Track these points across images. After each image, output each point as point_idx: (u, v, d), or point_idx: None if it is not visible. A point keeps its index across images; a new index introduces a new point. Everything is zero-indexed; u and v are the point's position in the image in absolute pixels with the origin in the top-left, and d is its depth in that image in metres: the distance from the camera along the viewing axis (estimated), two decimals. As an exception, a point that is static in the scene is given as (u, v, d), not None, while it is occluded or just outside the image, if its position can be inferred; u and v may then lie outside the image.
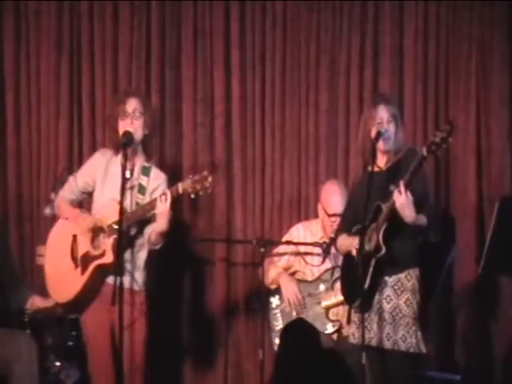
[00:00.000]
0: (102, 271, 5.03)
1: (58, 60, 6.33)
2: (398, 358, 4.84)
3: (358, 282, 4.78)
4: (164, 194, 5.03)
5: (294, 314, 5.60)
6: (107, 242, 5.02)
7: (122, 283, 4.94)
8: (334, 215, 5.47)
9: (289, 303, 5.63)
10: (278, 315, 5.69)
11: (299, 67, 6.22)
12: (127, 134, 5.01)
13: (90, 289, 5.09)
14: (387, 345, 4.81)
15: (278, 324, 5.65)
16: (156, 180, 5.24)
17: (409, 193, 4.64)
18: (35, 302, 5.36)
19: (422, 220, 4.76)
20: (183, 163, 6.26)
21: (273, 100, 6.25)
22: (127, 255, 5.15)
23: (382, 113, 4.90)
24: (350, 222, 5.00)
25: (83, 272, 5.12)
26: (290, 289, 5.64)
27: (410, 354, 4.82)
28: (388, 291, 4.86)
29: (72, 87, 6.34)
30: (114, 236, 5.00)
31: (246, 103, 6.27)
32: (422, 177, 4.86)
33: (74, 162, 6.20)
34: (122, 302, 4.84)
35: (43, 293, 5.37)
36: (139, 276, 5.21)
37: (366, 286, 4.79)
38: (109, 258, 5.00)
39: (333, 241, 5.45)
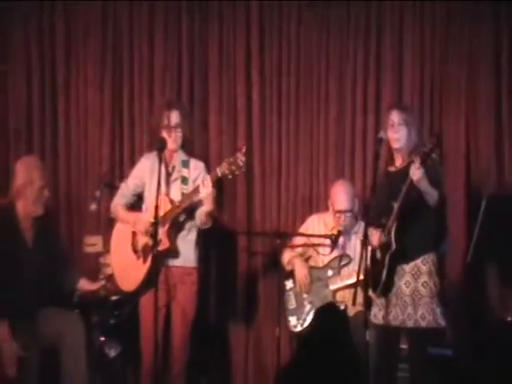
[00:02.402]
0: (160, 257, 5.28)
1: (102, 75, 6.52)
2: (418, 336, 5.05)
3: (377, 272, 5.03)
4: (204, 180, 5.25)
5: (305, 295, 5.84)
6: (162, 231, 5.28)
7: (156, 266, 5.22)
8: (339, 211, 5.74)
9: (299, 284, 5.85)
10: (292, 296, 5.92)
11: (311, 81, 6.39)
12: (161, 139, 5.38)
13: (152, 273, 5.30)
14: (409, 324, 5.02)
15: (292, 304, 5.89)
16: (196, 169, 5.54)
17: (423, 169, 4.83)
18: (83, 285, 5.53)
19: (434, 193, 4.95)
20: (210, 166, 6.04)
21: (288, 110, 6.42)
22: (179, 239, 5.43)
23: (394, 116, 5.10)
24: (376, 213, 5.14)
25: (145, 261, 5.43)
26: (301, 272, 5.86)
27: (431, 329, 5.02)
28: (407, 277, 5.06)
29: (114, 99, 6.52)
30: (167, 225, 5.31)
31: (265, 113, 6.45)
32: (435, 166, 4.99)
33: (116, 164, 6.46)
34: (156, 283, 5.12)
35: (90, 276, 5.61)
36: (192, 254, 5.48)
37: (384, 275, 5.03)
38: (165, 245, 5.30)
39: (340, 233, 5.74)
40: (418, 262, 5.07)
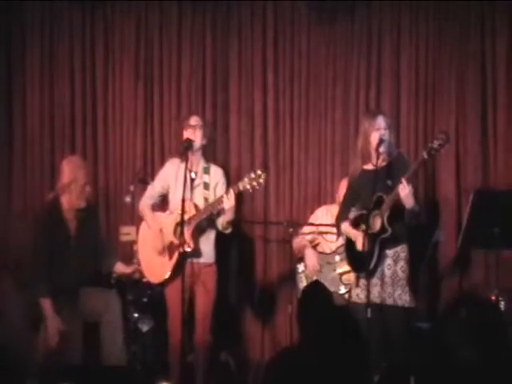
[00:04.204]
0: (185, 256, 5.52)
1: (135, 85, 6.83)
2: (396, 312, 5.26)
3: (367, 257, 5.15)
4: (228, 193, 5.41)
5: (315, 277, 6.08)
6: (187, 234, 5.50)
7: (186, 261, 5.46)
8: None
9: (309, 271, 6.12)
10: (303, 278, 6.20)
11: (319, 88, 6.68)
12: (188, 140, 5.60)
13: (177, 269, 5.57)
14: (389, 301, 5.25)
15: (303, 285, 6.14)
16: (216, 176, 5.74)
17: (410, 186, 5.08)
18: (119, 268, 5.80)
19: (417, 207, 5.23)
20: (230, 163, 6.70)
21: (299, 114, 6.70)
22: (202, 240, 5.67)
23: (380, 121, 5.31)
24: (348, 207, 5.46)
25: (171, 258, 5.66)
26: (311, 260, 6.14)
27: (405, 308, 5.24)
28: (388, 261, 5.29)
29: (146, 105, 6.82)
30: (192, 228, 5.51)
31: (279, 117, 6.71)
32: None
33: (148, 162, 6.75)
34: (183, 275, 5.32)
35: (125, 261, 5.86)
36: (212, 252, 5.74)
37: (374, 259, 5.21)
38: (190, 246, 5.52)
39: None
40: (398, 248, 5.31)
